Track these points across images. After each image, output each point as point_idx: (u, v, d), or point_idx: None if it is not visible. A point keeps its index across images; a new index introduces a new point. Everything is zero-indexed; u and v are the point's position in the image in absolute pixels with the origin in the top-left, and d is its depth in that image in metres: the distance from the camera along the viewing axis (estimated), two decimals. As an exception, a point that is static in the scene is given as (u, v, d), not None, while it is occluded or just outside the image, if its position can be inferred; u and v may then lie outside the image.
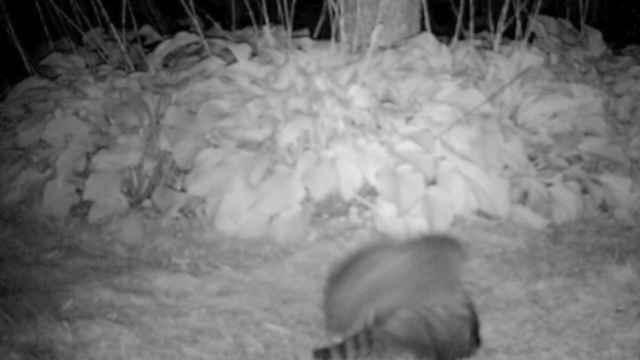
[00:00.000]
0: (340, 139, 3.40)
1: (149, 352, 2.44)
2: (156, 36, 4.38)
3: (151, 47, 4.15)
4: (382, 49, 3.77)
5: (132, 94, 3.79)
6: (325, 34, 3.94)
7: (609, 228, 3.49)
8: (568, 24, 4.28)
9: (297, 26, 3.95)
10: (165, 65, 4.04)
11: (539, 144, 3.61)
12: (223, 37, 4.14)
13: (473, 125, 3.43)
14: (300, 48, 3.79)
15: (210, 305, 2.77)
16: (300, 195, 3.30)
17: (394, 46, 3.86)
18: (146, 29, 4.40)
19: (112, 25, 4.01)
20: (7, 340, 2.46)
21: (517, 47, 3.75)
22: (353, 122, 3.52)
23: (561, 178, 3.50)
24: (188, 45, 4.12)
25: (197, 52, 4.08)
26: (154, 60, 3.97)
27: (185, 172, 3.55)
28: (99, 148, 3.69)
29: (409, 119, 3.50)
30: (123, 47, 3.99)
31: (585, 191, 3.57)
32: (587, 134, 3.64)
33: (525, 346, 2.48)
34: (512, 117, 3.66)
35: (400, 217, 3.20)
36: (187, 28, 4.22)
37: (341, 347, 2.35)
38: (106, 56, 4.15)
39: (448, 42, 3.86)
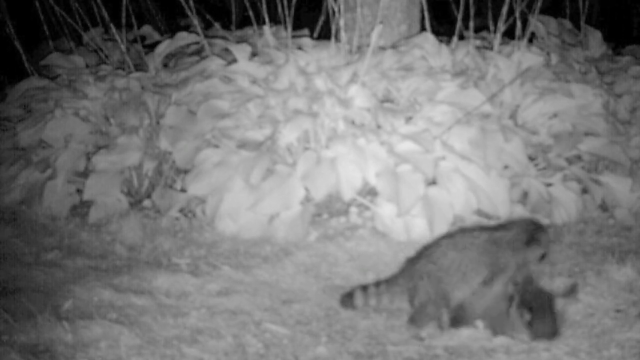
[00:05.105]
0: (340, 139, 3.40)
1: (149, 352, 2.44)
2: (156, 36, 4.37)
3: (151, 47, 4.15)
4: (382, 49, 3.77)
5: (132, 94, 3.79)
6: (325, 34, 3.94)
7: (609, 228, 3.49)
8: (568, 24, 4.28)
9: (297, 26, 3.95)
10: (165, 65, 4.04)
11: (539, 144, 3.61)
12: (223, 37, 4.14)
13: (473, 125, 3.43)
14: (300, 48, 3.79)
15: (210, 305, 2.77)
16: (300, 195, 3.30)
17: (394, 46, 3.86)
18: (146, 29, 4.39)
19: (112, 25, 4.01)
20: (7, 340, 2.46)
21: (517, 47, 3.75)
22: (353, 122, 3.52)
23: (561, 178, 3.50)
24: (188, 45, 4.12)
25: (197, 52, 4.08)
26: (154, 60, 3.97)
27: (185, 172, 3.55)
28: (99, 148, 3.69)
29: (409, 119, 3.50)
30: (123, 47, 3.99)
31: (585, 191, 3.57)
32: (587, 134, 3.65)
33: (525, 346, 2.48)
34: (512, 117, 3.66)
35: (400, 217, 3.21)
36: (187, 28, 4.22)
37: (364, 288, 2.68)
38: (106, 56, 4.15)
39: (448, 42, 3.86)
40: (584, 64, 3.99)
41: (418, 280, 2.60)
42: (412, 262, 2.69)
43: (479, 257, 2.56)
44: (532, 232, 2.59)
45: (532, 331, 2.48)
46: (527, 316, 2.48)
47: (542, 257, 2.57)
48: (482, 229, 2.74)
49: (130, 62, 3.99)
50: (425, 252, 2.67)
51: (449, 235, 2.74)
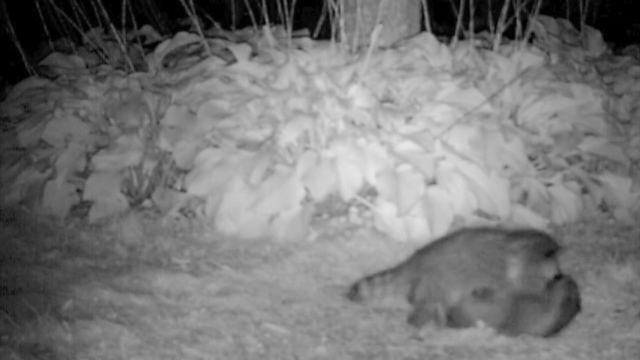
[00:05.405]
0: (340, 139, 3.40)
1: (149, 352, 2.44)
2: (156, 36, 4.38)
3: (151, 47, 4.15)
4: (382, 49, 3.77)
5: (132, 94, 3.79)
6: (325, 34, 3.94)
7: (609, 228, 3.49)
8: (568, 24, 4.28)
9: (297, 26, 3.95)
10: (165, 65, 4.04)
11: (539, 144, 3.61)
12: (223, 37, 4.14)
13: (473, 125, 3.43)
14: (300, 48, 3.79)
15: (210, 305, 2.77)
16: (300, 195, 3.30)
17: (394, 46, 3.86)
18: (146, 29, 4.40)
19: (112, 25, 4.01)
20: (7, 340, 2.46)
21: (517, 47, 3.75)
22: (353, 122, 3.52)
23: (561, 178, 3.51)
24: (188, 45, 4.12)
25: (197, 52, 4.08)
26: (154, 60, 3.97)
27: (185, 172, 3.55)
28: (99, 148, 3.69)
29: (409, 119, 3.50)
30: (123, 47, 3.99)
31: (585, 191, 3.57)
32: (587, 134, 3.65)
33: (526, 346, 2.48)
34: (512, 117, 3.66)
35: (400, 217, 3.21)
36: (187, 28, 4.22)
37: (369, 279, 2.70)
38: (106, 56, 4.15)
39: (448, 42, 3.86)
40: (584, 64, 3.99)
41: (422, 274, 2.59)
42: (421, 253, 2.69)
43: (490, 264, 2.54)
44: (551, 248, 2.58)
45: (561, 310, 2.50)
46: (575, 292, 2.51)
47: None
48: (507, 235, 2.64)
49: (130, 62, 3.99)
50: (438, 245, 2.66)
51: (468, 233, 2.69)
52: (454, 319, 2.56)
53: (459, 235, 2.66)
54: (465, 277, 2.54)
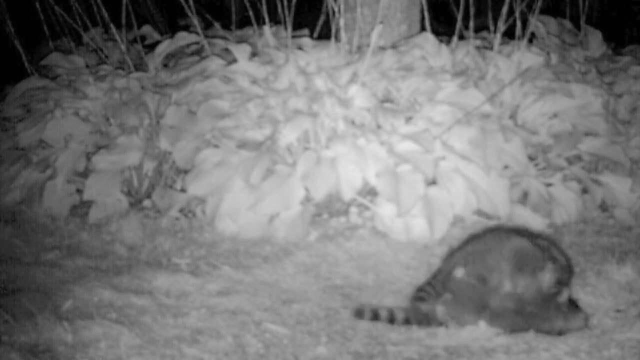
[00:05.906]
0: (340, 139, 3.40)
1: (149, 352, 2.44)
2: (156, 36, 4.38)
3: (151, 47, 4.15)
4: (382, 49, 3.77)
5: (132, 94, 3.79)
6: (325, 34, 3.94)
7: (609, 228, 3.49)
8: (568, 24, 4.28)
9: (297, 26, 3.95)
10: (165, 65, 4.04)
11: (539, 144, 3.61)
12: (223, 37, 4.14)
13: (473, 125, 3.43)
14: (300, 48, 3.79)
15: (210, 305, 2.77)
16: (300, 195, 3.30)
17: (394, 46, 3.87)
18: (146, 29, 4.40)
19: (112, 25, 4.01)
20: (7, 340, 2.46)
21: (517, 47, 3.75)
22: (353, 122, 3.52)
23: (561, 178, 3.51)
24: (188, 45, 4.12)
25: (197, 52, 4.09)
26: (154, 60, 3.97)
27: (185, 172, 3.55)
28: (99, 148, 3.69)
29: (409, 119, 3.50)
30: (123, 47, 3.99)
31: (585, 191, 3.57)
32: (587, 134, 3.65)
33: (525, 346, 2.48)
34: (512, 117, 3.66)
35: (400, 217, 3.21)
36: (187, 28, 4.22)
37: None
38: (106, 56, 4.15)
39: (448, 42, 3.86)
40: (584, 64, 4.00)
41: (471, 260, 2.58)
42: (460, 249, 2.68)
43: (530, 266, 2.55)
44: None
45: (569, 322, 2.54)
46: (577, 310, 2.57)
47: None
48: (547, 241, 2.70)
49: (130, 62, 3.99)
50: (480, 239, 2.66)
51: (507, 231, 2.70)
52: (494, 314, 2.56)
53: (502, 233, 2.68)
54: (509, 273, 2.54)
